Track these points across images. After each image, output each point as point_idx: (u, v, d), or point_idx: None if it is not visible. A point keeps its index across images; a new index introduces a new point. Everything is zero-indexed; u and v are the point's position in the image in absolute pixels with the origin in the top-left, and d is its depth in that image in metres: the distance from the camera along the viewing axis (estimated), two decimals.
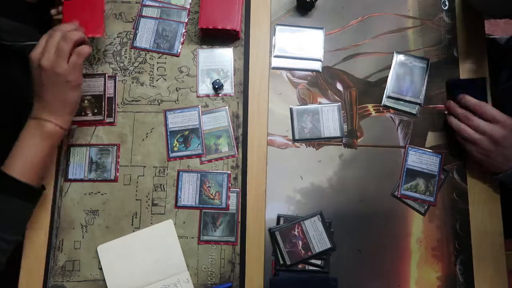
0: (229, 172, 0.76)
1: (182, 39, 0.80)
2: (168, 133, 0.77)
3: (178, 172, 0.75)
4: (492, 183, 0.76)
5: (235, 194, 0.75)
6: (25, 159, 0.64)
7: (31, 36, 0.80)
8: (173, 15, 0.82)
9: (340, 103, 0.79)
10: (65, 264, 0.72)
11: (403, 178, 0.76)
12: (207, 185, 0.75)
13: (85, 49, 0.67)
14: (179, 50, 0.80)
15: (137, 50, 0.80)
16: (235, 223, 0.74)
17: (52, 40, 0.65)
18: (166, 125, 0.77)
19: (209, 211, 0.74)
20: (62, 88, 0.65)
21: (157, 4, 0.82)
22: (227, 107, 0.78)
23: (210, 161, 0.76)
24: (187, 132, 0.77)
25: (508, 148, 0.69)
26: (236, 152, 0.76)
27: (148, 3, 0.82)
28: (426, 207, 0.76)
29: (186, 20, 0.81)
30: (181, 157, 0.76)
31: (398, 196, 0.76)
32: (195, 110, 0.78)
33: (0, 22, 0.77)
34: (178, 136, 0.76)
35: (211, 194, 0.75)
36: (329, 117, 0.79)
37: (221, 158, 0.76)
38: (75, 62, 0.66)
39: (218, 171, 0.75)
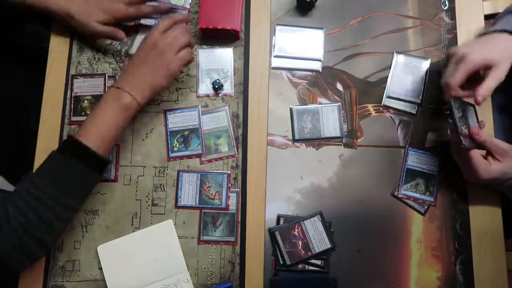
0: (229, 172, 0.76)
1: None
2: (168, 133, 0.77)
3: (178, 172, 0.75)
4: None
5: (235, 194, 0.75)
6: (101, 129, 0.65)
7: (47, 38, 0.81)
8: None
9: (340, 103, 0.79)
10: (65, 264, 0.72)
11: (403, 178, 0.76)
12: (207, 185, 0.75)
13: (190, 54, 0.72)
14: None
15: None
16: (235, 223, 0.74)
17: (175, 28, 0.70)
18: (166, 125, 0.77)
19: (209, 211, 0.74)
20: (159, 71, 0.69)
21: (157, 4, 0.82)
22: (227, 107, 0.78)
23: (210, 161, 0.76)
24: (187, 132, 0.77)
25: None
26: (236, 152, 0.76)
27: (148, 2, 0.82)
28: (426, 207, 0.76)
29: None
30: (181, 157, 0.76)
31: (398, 196, 0.76)
32: (195, 110, 0.78)
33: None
34: (178, 136, 0.76)
35: (211, 194, 0.75)
36: (329, 117, 0.79)
37: (221, 158, 0.76)
38: (182, 56, 0.70)
39: (218, 171, 0.75)
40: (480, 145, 0.66)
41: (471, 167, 0.68)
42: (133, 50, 0.80)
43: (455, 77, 0.65)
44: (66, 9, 0.74)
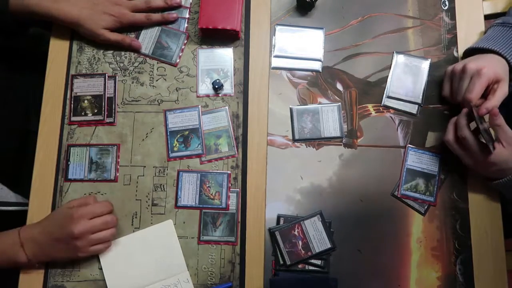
0: (229, 172, 0.76)
1: (182, 46, 0.80)
2: (168, 133, 0.77)
3: (178, 172, 0.75)
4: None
5: (235, 194, 0.75)
6: None
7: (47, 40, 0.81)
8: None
9: (340, 103, 0.79)
10: (65, 264, 0.72)
11: (403, 178, 0.76)
12: (207, 185, 0.75)
13: (103, 250, 0.71)
14: (177, 60, 0.80)
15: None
16: (235, 223, 0.74)
17: (99, 225, 0.68)
18: (166, 125, 0.77)
19: (209, 211, 0.74)
20: (68, 252, 0.68)
21: (166, 14, 0.82)
22: (227, 107, 0.78)
23: (210, 161, 0.76)
24: (187, 132, 0.77)
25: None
26: (236, 152, 0.76)
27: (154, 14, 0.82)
28: (426, 207, 0.76)
29: (187, 16, 0.81)
30: (181, 157, 0.76)
31: (398, 196, 0.76)
32: (195, 110, 0.78)
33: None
34: (178, 136, 0.76)
35: (211, 194, 0.75)
36: (329, 117, 0.79)
37: (221, 158, 0.76)
38: (95, 250, 0.69)
39: (218, 171, 0.75)
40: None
41: (473, 149, 0.68)
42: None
43: (475, 92, 0.68)
44: (73, 17, 0.74)
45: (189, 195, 0.75)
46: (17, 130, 0.82)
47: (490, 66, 0.69)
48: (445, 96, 0.77)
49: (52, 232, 0.67)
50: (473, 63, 0.70)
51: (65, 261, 0.71)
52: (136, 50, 0.79)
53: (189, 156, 0.76)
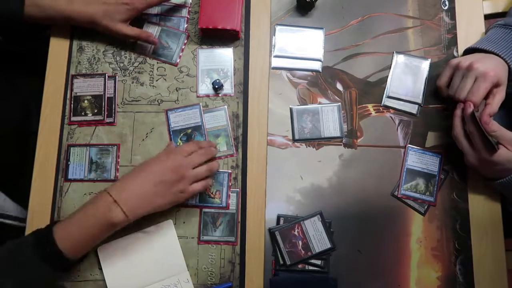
0: (229, 171, 0.76)
1: (182, 46, 0.80)
2: (171, 133, 0.77)
3: None
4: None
5: (235, 194, 0.75)
6: (81, 237, 0.62)
7: (39, 37, 0.81)
8: (173, 12, 0.82)
9: (340, 103, 0.79)
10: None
11: (403, 178, 0.76)
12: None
13: (203, 188, 0.70)
14: (178, 60, 0.80)
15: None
16: (235, 223, 0.74)
17: (202, 156, 0.69)
18: (168, 124, 0.77)
19: (209, 211, 0.74)
20: (168, 196, 0.66)
21: None
22: (226, 106, 0.78)
23: None
24: (189, 130, 0.77)
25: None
26: (235, 151, 0.76)
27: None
28: (426, 207, 0.76)
29: (187, 15, 0.81)
30: None
31: (398, 196, 0.76)
32: (196, 108, 0.78)
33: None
34: (182, 134, 0.76)
35: (212, 193, 0.75)
36: (329, 117, 0.79)
37: (219, 157, 0.76)
38: (195, 189, 0.68)
39: (219, 170, 0.75)
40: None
41: (479, 146, 0.68)
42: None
43: (479, 96, 0.69)
44: (88, 17, 0.73)
45: None
46: (18, 132, 0.82)
47: (495, 70, 0.69)
48: (439, 86, 0.76)
49: (150, 177, 0.64)
50: (480, 64, 0.69)
51: (166, 210, 0.68)
52: (154, 43, 0.78)
53: None
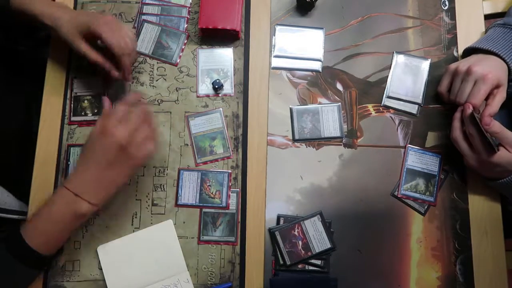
0: (229, 171, 0.76)
1: (182, 46, 0.80)
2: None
3: (179, 170, 0.75)
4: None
5: (235, 194, 0.75)
6: (49, 234, 0.63)
7: (40, 37, 0.80)
8: (173, 12, 0.82)
9: (340, 103, 0.79)
10: (65, 264, 0.72)
11: (403, 178, 0.76)
12: (208, 184, 0.75)
13: (154, 148, 0.65)
14: (178, 60, 0.80)
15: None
16: (235, 223, 0.74)
17: (135, 122, 0.63)
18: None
19: (209, 211, 0.74)
20: (124, 171, 0.63)
21: (157, 3, 0.82)
22: (221, 109, 0.78)
23: (205, 163, 0.76)
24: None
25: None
26: (231, 154, 0.76)
27: (148, 1, 0.82)
28: (426, 207, 0.76)
29: (187, 15, 0.81)
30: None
31: (398, 196, 0.76)
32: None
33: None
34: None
35: (212, 193, 0.75)
36: (329, 117, 0.79)
37: (216, 160, 0.76)
38: (146, 153, 0.64)
39: (219, 170, 0.75)
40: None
41: (479, 147, 0.68)
42: (138, 46, 0.80)
43: (479, 98, 0.69)
44: (52, 18, 0.69)
45: (189, 194, 0.75)
46: (21, 132, 0.82)
47: (494, 72, 0.69)
48: (440, 92, 0.76)
49: (97, 161, 0.61)
50: (479, 67, 0.69)
51: (126, 183, 0.66)
52: (112, 76, 0.72)
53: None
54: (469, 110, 0.68)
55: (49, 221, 0.62)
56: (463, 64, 0.72)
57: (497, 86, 0.70)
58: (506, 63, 0.71)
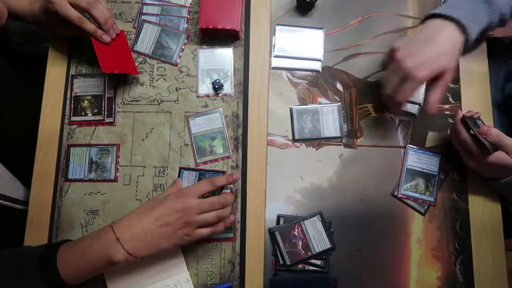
0: (224, 171, 0.75)
1: (182, 46, 0.80)
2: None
3: (180, 169, 0.75)
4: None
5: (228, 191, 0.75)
6: (81, 268, 0.61)
7: (42, 38, 0.80)
8: (173, 12, 0.82)
9: (340, 103, 0.79)
10: None
11: (403, 178, 0.76)
12: None
13: (211, 234, 0.67)
14: (178, 60, 0.80)
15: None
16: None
17: (209, 207, 0.65)
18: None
19: None
20: (173, 239, 0.63)
21: (157, 3, 0.82)
22: (221, 109, 0.78)
23: (205, 163, 0.76)
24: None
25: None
26: (231, 154, 0.76)
27: (148, 1, 0.82)
28: (426, 207, 0.76)
29: (187, 15, 0.81)
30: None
31: (398, 196, 0.76)
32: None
33: (11, 24, 0.78)
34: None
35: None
36: (329, 117, 0.79)
37: (216, 160, 0.76)
38: (201, 234, 0.65)
39: (216, 170, 0.75)
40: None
41: (472, 149, 0.67)
42: (136, 46, 0.80)
43: (404, 96, 0.66)
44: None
45: None
46: (25, 129, 0.82)
47: (432, 63, 0.64)
48: (384, 66, 0.70)
49: (156, 217, 0.62)
50: (412, 60, 0.63)
51: (169, 251, 0.66)
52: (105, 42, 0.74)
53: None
54: (459, 116, 0.68)
55: (85, 254, 0.61)
56: (402, 51, 0.65)
57: (441, 73, 0.65)
58: (465, 32, 0.65)
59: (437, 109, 0.63)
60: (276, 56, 0.81)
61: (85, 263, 0.61)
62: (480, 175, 0.73)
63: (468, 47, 0.68)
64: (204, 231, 0.65)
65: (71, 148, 0.76)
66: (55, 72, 0.79)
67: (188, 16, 0.82)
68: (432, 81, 0.66)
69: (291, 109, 0.79)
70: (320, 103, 0.80)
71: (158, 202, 0.64)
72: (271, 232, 0.73)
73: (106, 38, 0.74)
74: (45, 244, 0.65)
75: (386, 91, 0.68)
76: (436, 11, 0.68)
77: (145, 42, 0.80)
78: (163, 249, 0.63)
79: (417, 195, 0.76)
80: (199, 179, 0.75)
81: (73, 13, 0.69)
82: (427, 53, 0.64)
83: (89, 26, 0.71)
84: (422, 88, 0.79)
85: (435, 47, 0.64)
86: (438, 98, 0.67)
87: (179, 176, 0.75)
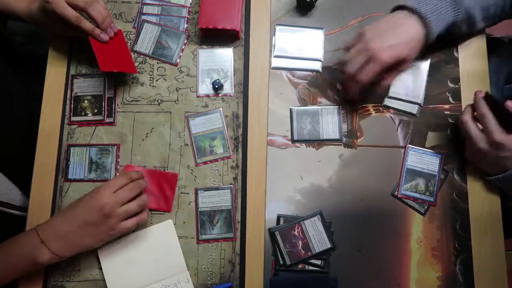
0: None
1: (182, 46, 0.80)
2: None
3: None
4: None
5: (228, 190, 0.75)
6: (2, 272, 0.62)
7: (43, 39, 0.80)
8: (173, 12, 0.82)
9: (340, 106, 0.79)
10: (65, 264, 0.72)
11: (403, 178, 0.76)
12: None
13: (136, 224, 0.68)
14: (178, 60, 0.80)
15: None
16: (232, 219, 0.74)
17: (128, 192, 0.66)
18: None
19: (205, 210, 0.74)
20: (97, 236, 0.65)
21: (157, 3, 0.82)
22: (221, 109, 0.78)
23: (205, 163, 0.76)
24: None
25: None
26: (231, 154, 0.76)
27: (148, 1, 0.82)
28: (426, 207, 0.76)
29: (187, 15, 0.81)
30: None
31: (398, 196, 0.76)
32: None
33: (12, 24, 0.78)
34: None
35: None
36: (328, 119, 0.79)
37: (216, 160, 0.76)
38: (127, 227, 0.66)
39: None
40: None
41: (491, 126, 0.67)
42: (136, 46, 0.80)
43: (367, 76, 0.68)
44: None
45: None
46: (23, 132, 0.82)
47: (396, 49, 0.67)
48: (340, 48, 0.73)
49: (76, 218, 0.63)
50: (378, 42, 0.67)
51: (94, 248, 0.67)
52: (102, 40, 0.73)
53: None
54: (482, 93, 0.68)
55: (5, 259, 0.62)
56: (368, 33, 0.69)
57: (401, 62, 0.69)
58: (428, 26, 0.68)
59: (383, 91, 0.72)
60: (276, 56, 0.81)
61: (6, 267, 0.62)
62: (482, 168, 0.73)
63: (431, 41, 0.71)
64: (129, 223, 0.66)
65: (71, 148, 0.76)
66: (55, 72, 0.79)
67: (188, 16, 0.82)
68: (390, 68, 0.69)
69: (291, 110, 0.79)
70: (320, 103, 0.80)
71: (77, 203, 0.66)
72: (271, 232, 0.73)
73: (104, 37, 0.74)
74: None
75: (349, 70, 0.69)
76: (405, 3, 0.71)
77: (145, 42, 0.80)
78: (88, 247, 0.65)
79: (417, 195, 0.76)
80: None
81: (70, 12, 0.69)
82: (393, 39, 0.68)
83: (87, 25, 0.71)
84: (422, 88, 0.80)
85: (401, 36, 0.68)
86: (389, 83, 0.72)
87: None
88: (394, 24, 0.70)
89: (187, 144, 0.77)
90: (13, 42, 0.86)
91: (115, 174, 0.75)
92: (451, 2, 0.70)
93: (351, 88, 0.72)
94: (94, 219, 0.64)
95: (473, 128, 0.70)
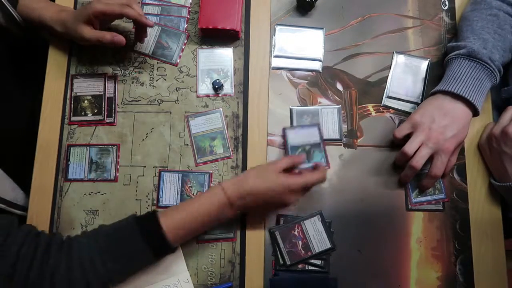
0: (210, 172, 0.75)
1: (182, 46, 0.80)
2: (289, 148, 0.74)
3: (160, 172, 0.75)
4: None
5: None
6: (186, 224, 0.64)
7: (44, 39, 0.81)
8: (173, 12, 0.82)
9: (340, 106, 0.79)
10: None
11: (410, 186, 0.76)
12: (189, 185, 0.75)
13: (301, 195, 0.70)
14: (178, 60, 0.80)
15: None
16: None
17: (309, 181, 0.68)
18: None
19: None
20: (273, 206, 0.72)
21: (157, 3, 0.82)
22: (221, 109, 0.78)
23: (205, 163, 0.76)
24: (308, 148, 0.75)
25: None
26: (231, 154, 0.76)
27: (148, 1, 0.82)
28: (442, 204, 0.76)
29: (187, 15, 0.81)
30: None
31: (413, 208, 0.75)
32: (315, 127, 0.78)
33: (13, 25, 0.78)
34: (299, 150, 0.75)
35: (193, 194, 0.74)
36: (328, 119, 0.79)
37: (216, 160, 0.76)
38: (296, 198, 0.68)
39: (200, 171, 0.75)
40: None
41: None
42: (137, 46, 0.80)
43: (441, 169, 0.71)
44: (58, 17, 0.73)
45: (170, 195, 0.74)
46: (23, 132, 0.82)
47: (458, 137, 0.71)
48: (396, 137, 0.73)
49: (263, 197, 0.66)
50: (442, 135, 0.70)
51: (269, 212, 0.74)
52: (120, 45, 0.71)
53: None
54: None
55: (192, 210, 0.64)
56: (426, 123, 0.70)
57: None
58: (475, 109, 0.71)
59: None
60: (276, 56, 0.81)
61: (192, 218, 0.64)
62: (485, 157, 0.76)
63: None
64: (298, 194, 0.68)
65: (71, 148, 0.76)
66: (55, 72, 0.79)
67: (188, 16, 0.82)
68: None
69: (291, 110, 0.79)
70: (320, 103, 0.80)
71: (271, 187, 0.66)
72: (271, 232, 0.73)
73: (150, 22, 0.72)
74: (132, 218, 0.64)
75: (416, 165, 0.70)
76: (447, 89, 0.71)
77: (145, 42, 0.80)
78: (264, 208, 0.73)
79: (428, 198, 0.76)
80: (183, 181, 0.75)
81: (113, 4, 0.70)
82: (453, 129, 0.70)
83: (131, 11, 0.70)
84: (422, 88, 0.80)
85: (459, 122, 0.70)
86: (454, 162, 0.75)
87: (159, 179, 0.75)
88: (446, 111, 0.71)
89: (187, 144, 0.77)
90: (13, 43, 0.86)
91: (115, 174, 0.75)
92: (484, 69, 0.71)
93: (408, 176, 0.73)
94: (274, 201, 0.67)
95: (507, 114, 0.73)
